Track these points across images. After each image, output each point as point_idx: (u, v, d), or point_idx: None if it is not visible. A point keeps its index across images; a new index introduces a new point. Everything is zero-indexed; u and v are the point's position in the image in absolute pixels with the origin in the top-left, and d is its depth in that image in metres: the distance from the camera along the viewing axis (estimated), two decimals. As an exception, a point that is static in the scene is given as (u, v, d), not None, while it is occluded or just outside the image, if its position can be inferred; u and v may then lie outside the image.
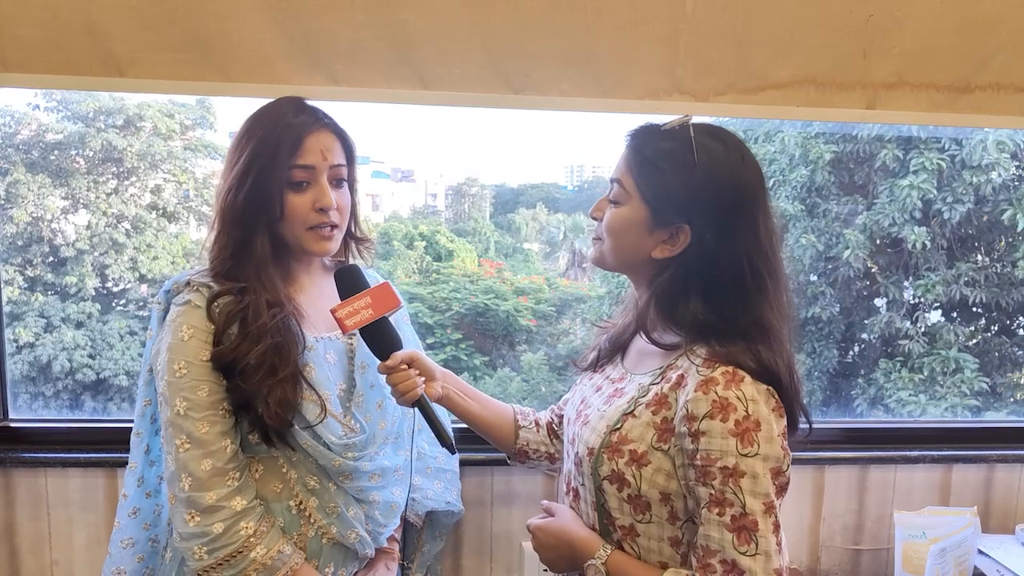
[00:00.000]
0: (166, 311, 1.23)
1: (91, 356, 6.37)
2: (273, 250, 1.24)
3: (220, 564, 1.15)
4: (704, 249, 1.06)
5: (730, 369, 1.01)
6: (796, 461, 1.84)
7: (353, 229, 1.36)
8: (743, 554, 0.98)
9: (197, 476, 1.15)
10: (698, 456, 1.00)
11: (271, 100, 1.26)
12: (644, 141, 1.12)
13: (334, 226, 1.25)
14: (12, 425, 1.75)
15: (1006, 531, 1.93)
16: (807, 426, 1.11)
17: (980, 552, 1.80)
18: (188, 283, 1.22)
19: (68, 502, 1.71)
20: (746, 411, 0.99)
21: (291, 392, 1.17)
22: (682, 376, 1.06)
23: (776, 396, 1.03)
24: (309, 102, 1.28)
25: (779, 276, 1.09)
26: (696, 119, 1.11)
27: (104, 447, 1.69)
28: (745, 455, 0.98)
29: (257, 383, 1.15)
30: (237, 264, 1.22)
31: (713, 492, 1.00)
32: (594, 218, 1.19)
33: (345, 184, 1.28)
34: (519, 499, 1.79)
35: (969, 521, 1.77)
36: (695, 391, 1.01)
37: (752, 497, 0.98)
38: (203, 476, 1.15)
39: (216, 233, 1.24)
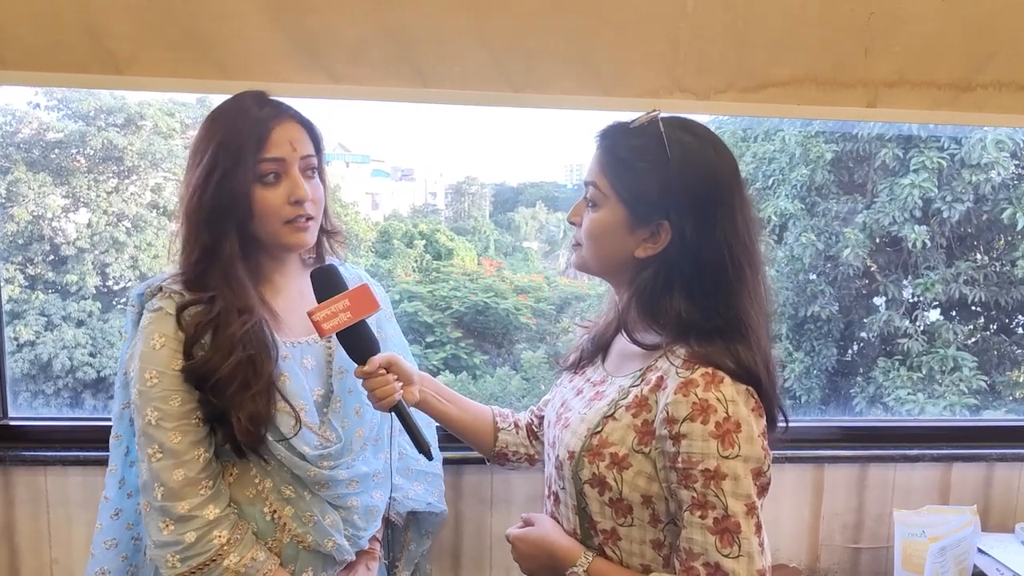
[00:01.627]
0: (140, 314, 1.21)
1: (92, 354, 6.36)
2: (243, 251, 1.21)
3: (193, 572, 1.15)
4: (685, 243, 1.05)
5: (710, 370, 1.01)
6: (795, 460, 1.86)
7: (323, 222, 1.32)
8: (726, 556, 0.98)
9: (169, 486, 1.14)
10: (679, 459, 1.00)
11: (230, 96, 1.23)
12: (615, 141, 1.10)
13: (310, 218, 1.22)
14: (12, 423, 1.75)
15: (1005, 530, 1.93)
16: (784, 422, 1.10)
17: (980, 551, 1.80)
18: (160, 288, 1.20)
19: (68, 500, 1.70)
20: (726, 412, 0.99)
21: (264, 407, 1.16)
22: (662, 378, 1.05)
23: (755, 396, 1.03)
24: (274, 97, 1.24)
25: (758, 264, 1.08)
26: (664, 113, 1.09)
27: (104, 445, 1.67)
28: (726, 457, 0.98)
29: (229, 397, 1.14)
30: (206, 270, 1.19)
31: (695, 495, 0.99)
32: (572, 223, 1.17)
33: (317, 175, 1.25)
34: (518, 499, 1.79)
35: (968, 520, 1.77)
36: (675, 393, 1.01)
37: (734, 499, 0.98)
38: (175, 486, 1.14)
39: (183, 239, 1.21)
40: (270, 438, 1.18)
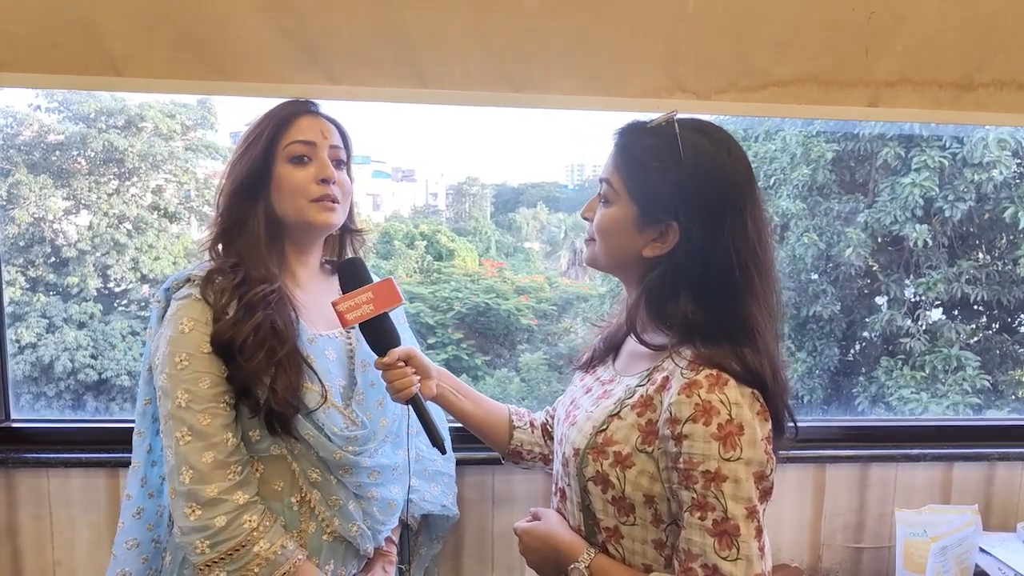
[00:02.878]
0: (166, 308, 1.23)
1: (93, 356, 6.38)
2: (270, 236, 1.25)
3: (223, 558, 1.14)
4: (692, 246, 1.05)
5: (714, 372, 1.00)
6: (797, 459, 1.86)
7: (348, 221, 1.36)
8: (724, 559, 0.97)
9: (198, 469, 1.14)
10: (681, 459, 1.00)
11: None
12: (631, 139, 1.11)
13: (336, 200, 1.26)
14: (14, 426, 1.75)
15: (1007, 529, 1.93)
16: (793, 426, 1.10)
17: (981, 550, 1.79)
18: (189, 279, 1.22)
19: (70, 502, 1.71)
20: (729, 415, 0.98)
21: (295, 378, 1.17)
22: (667, 378, 1.05)
23: (761, 400, 1.02)
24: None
25: (767, 271, 1.07)
26: (682, 114, 1.09)
27: (106, 447, 1.69)
28: (727, 459, 0.97)
29: (258, 365, 1.15)
30: (232, 239, 1.24)
31: (695, 496, 0.99)
32: (585, 218, 1.18)
33: (345, 169, 1.30)
34: (520, 499, 1.79)
35: (970, 519, 1.76)
36: (678, 394, 1.00)
37: (734, 502, 0.97)
38: (204, 469, 1.14)
39: (215, 217, 1.27)
40: (300, 414, 1.19)
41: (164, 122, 6.88)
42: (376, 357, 1.24)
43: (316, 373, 1.21)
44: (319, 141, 1.25)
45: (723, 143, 1.08)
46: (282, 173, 1.23)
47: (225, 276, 1.20)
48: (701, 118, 1.12)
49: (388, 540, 1.40)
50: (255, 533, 1.15)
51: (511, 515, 1.78)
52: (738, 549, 0.97)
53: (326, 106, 1.32)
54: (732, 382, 1.00)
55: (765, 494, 1.01)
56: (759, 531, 0.99)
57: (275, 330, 1.17)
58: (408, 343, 1.45)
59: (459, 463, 1.61)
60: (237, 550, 1.14)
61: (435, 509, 1.48)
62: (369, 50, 1.46)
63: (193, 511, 1.14)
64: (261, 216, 1.24)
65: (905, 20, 1.53)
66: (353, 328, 1.26)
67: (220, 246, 1.25)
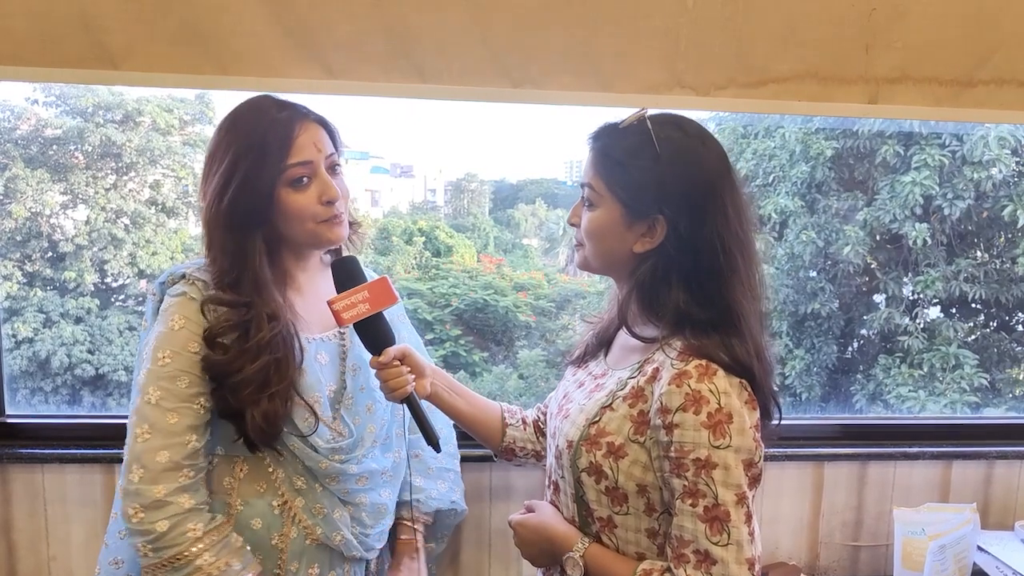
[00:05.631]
0: (160, 302, 1.22)
1: (90, 351, 6.36)
2: (270, 251, 1.22)
3: (164, 565, 1.12)
4: (680, 236, 1.08)
5: (703, 363, 1.03)
6: (795, 457, 1.86)
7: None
8: (715, 544, 1.00)
9: (150, 468, 1.12)
10: (672, 448, 1.02)
11: (244, 100, 1.23)
12: (607, 142, 1.13)
13: (342, 213, 1.25)
14: (10, 421, 1.74)
15: (1005, 527, 1.93)
16: (778, 413, 1.13)
17: (980, 549, 1.80)
18: (184, 276, 1.21)
19: (66, 498, 1.70)
20: (718, 404, 1.01)
21: (281, 407, 1.16)
22: (657, 369, 1.08)
23: (748, 389, 1.05)
24: (282, 96, 1.26)
25: (750, 254, 1.11)
26: (652, 111, 1.11)
27: (102, 443, 1.69)
28: (717, 447, 1.00)
29: (245, 396, 1.14)
30: (238, 278, 1.18)
31: (686, 483, 1.02)
32: (572, 224, 1.20)
33: (339, 170, 1.27)
34: (517, 494, 1.79)
35: (968, 518, 1.76)
36: (669, 384, 1.03)
37: (724, 488, 1.00)
38: (156, 469, 1.12)
39: (208, 246, 1.21)
40: (286, 430, 1.18)
41: (162, 117, 6.85)
42: (371, 356, 1.24)
43: (303, 396, 1.19)
44: (316, 158, 1.20)
45: (697, 135, 1.11)
46: (285, 199, 1.18)
47: (232, 310, 1.16)
48: (672, 112, 1.15)
49: (408, 528, 1.40)
50: (199, 543, 1.12)
51: (508, 510, 1.77)
52: (729, 534, 1.00)
53: (320, 101, 1.29)
54: (721, 372, 1.03)
55: (754, 481, 1.04)
56: (749, 516, 1.02)
57: (278, 368, 1.16)
58: (411, 338, 1.46)
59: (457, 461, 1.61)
60: (179, 559, 1.11)
61: (444, 505, 1.47)
62: (368, 44, 1.45)
63: (136, 512, 1.11)
64: (262, 246, 1.20)
65: (905, 16, 1.53)
66: (345, 333, 1.25)
67: (225, 276, 1.18)
